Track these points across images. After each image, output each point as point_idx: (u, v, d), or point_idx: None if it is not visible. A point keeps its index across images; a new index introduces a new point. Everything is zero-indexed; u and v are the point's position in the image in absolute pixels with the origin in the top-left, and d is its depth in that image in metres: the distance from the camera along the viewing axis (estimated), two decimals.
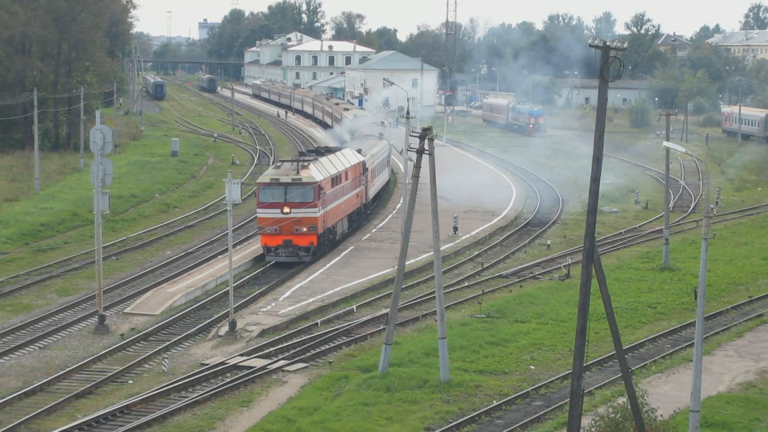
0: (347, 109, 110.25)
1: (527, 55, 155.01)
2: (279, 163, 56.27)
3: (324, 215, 53.99)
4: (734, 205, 79.14)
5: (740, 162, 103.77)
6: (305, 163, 54.24)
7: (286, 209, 52.07)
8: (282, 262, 52.79)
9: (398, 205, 68.65)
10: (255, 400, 34.24)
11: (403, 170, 61.72)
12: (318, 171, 54.00)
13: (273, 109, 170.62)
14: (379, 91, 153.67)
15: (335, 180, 56.65)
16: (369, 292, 48.66)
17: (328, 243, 56.10)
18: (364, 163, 64.70)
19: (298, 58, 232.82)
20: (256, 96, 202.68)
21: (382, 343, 36.89)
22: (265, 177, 53.82)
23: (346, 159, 61.49)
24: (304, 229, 52.54)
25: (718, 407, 33.02)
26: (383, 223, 66.73)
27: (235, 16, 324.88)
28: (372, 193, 69.57)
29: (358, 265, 53.73)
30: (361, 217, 65.58)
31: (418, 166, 36.27)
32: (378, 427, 31.53)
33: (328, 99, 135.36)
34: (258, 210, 53.80)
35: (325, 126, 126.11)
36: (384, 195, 77.33)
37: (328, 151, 62.84)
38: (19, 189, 73.73)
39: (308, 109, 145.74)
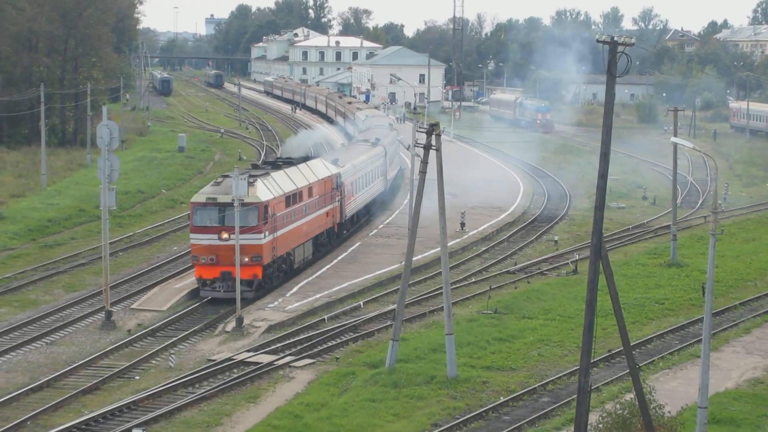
0: (360, 109, 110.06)
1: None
2: (220, 179, 46.67)
3: (273, 242, 45.93)
4: (742, 201, 78.98)
5: (748, 158, 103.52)
6: (251, 179, 45.18)
7: (225, 235, 43.94)
8: (220, 299, 44.78)
9: (405, 201, 68.56)
10: (262, 395, 34.21)
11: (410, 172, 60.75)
12: (266, 188, 45.99)
13: (281, 105, 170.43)
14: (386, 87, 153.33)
15: (292, 198, 48.60)
16: (376, 288, 48.64)
17: (280, 274, 48.40)
18: (338, 176, 56.38)
19: (305, 54, 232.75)
20: (268, 93, 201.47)
21: (389, 339, 36.86)
22: (200, 195, 45.12)
23: (311, 172, 53.16)
24: (246, 259, 43.64)
25: (725, 403, 32.95)
26: (390, 219, 66.70)
27: (242, 11, 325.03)
28: (351, 210, 60.66)
29: (365, 261, 53.70)
30: (332, 239, 57.12)
31: (425, 162, 36.20)
32: (385, 423, 31.51)
33: (341, 98, 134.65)
34: (191, 235, 45.40)
35: (336, 125, 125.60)
36: (377, 208, 69.19)
37: (289, 163, 53.82)
38: (26, 185, 73.81)
39: (321, 108, 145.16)
